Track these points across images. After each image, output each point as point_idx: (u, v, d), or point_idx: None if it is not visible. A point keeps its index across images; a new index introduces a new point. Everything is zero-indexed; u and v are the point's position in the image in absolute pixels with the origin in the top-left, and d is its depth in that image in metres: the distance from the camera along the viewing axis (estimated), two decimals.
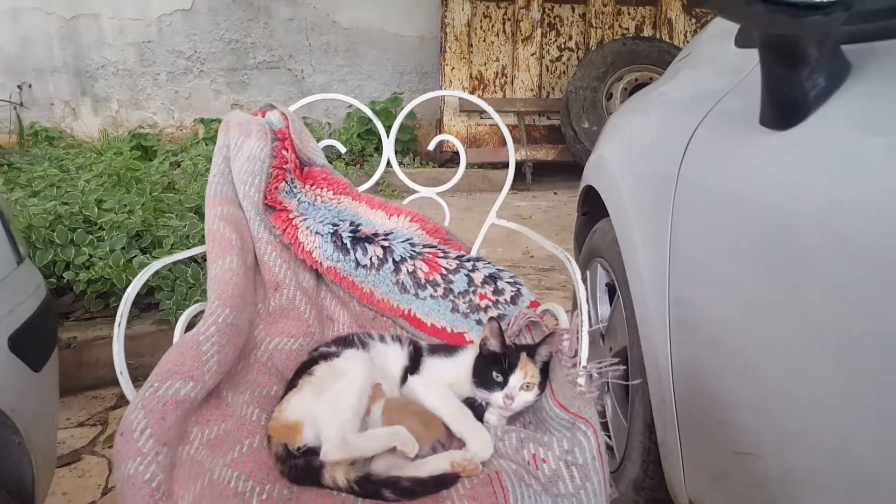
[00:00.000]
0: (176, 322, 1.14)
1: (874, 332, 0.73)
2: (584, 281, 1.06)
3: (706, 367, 1.12)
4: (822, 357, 0.80)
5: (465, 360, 1.11)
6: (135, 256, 2.37)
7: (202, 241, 1.26)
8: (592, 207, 2.00)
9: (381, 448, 0.92)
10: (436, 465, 0.89)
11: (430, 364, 1.15)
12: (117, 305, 1.01)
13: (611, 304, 1.81)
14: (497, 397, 1.03)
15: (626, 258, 1.54)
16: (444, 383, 1.09)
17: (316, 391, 1.00)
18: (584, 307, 0.99)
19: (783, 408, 0.88)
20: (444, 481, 0.87)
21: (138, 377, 1.00)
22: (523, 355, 1.05)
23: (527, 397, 1.03)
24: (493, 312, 1.27)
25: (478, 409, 1.06)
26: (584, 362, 0.96)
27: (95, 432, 2.09)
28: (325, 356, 1.08)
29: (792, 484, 0.84)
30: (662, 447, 1.35)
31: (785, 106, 0.91)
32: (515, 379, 1.03)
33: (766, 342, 0.93)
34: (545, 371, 1.06)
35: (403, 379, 1.13)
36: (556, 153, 5.53)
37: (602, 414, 1.05)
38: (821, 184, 0.84)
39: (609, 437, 0.90)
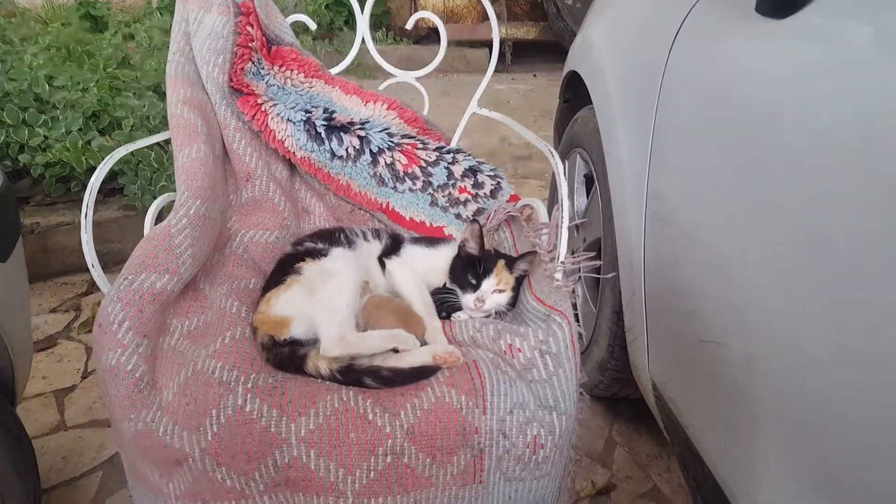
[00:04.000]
0: (142, 207, 1.11)
1: (846, 228, 0.74)
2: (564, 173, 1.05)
3: (678, 259, 1.14)
4: (792, 252, 0.82)
5: (443, 254, 1.12)
6: (93, 139, 2.26)
7: (164, 124, 1.19)
8: (575, 94, 1.94)
9: (380, 348, 0.93)
10: (417, 357, 0.91)
11: (411, 250, 1.15)
12: (79, 190, 0.97)
13: (587, 196, 1.82)
14: (469, 299, 1.05)
15: (607, 148, 1.51)
16: (420, 272, 1.10)
17: (306, 290, 1.00)
18: (566, 203, 0.99)
19: (750, 300, 0.91)
20: (425, 372, 0.90)
21: (107, 264, 0.99)
22: (500, 262, 1.06)
23: (498, 299, 1.05)
24: (473, 206, 1.26)
25: (451, 304, 1.07)
26: (562, 258, 0.97)
27: (69, 318, 2.10)
28: (312, 253, 1.07)
29: (753, 371, 0.89)
30: (629, 333, 1.41)
31: None
32: (489, 283, 1.04)
33: (738, 236, 0.94)
34: (519, 282, 1.07)
35: (383, 265, 1.14)
36: (538, 32, 5.29)
37: (574, 305, 1.08)
38: (808, 76, 0.82)
39: (579, 323, 0.92)
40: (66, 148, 2.16)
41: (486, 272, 1.04)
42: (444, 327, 1.03)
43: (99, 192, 1.06)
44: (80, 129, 2.25)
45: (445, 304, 1.06)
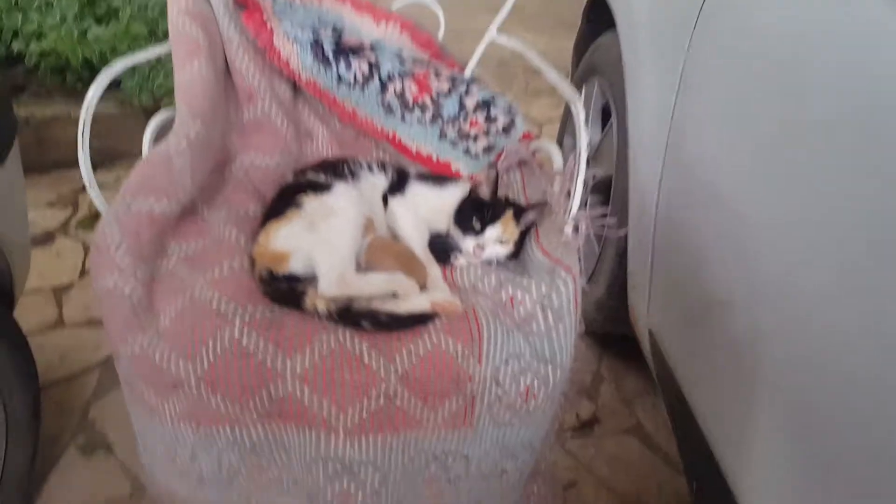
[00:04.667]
0: (139, 106, 1.06)
1: (871, 194, 0.71)
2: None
3: (695, 208, 1.11)
4: (815, 216, 0.79)
5: (450, 195, 1.08)
6: (89, 27, 2.15)
7: (162, 13, 1.10)
8: (598, 16, 1.83)
9: (380, 292, 0.92)
10: (416, 303, 0.91)
11: (416, 189, 1.12)
12: (74, 82, 0.92)
13: (602, 130, 1.76)
14: (469, 243, 1.02)
15: (630, 80, 1.44)
16: (424, 214, 1.07)
17: (307, 226, 0.97)
18: (584, 152, 0.94)
19: (767, 262, 0.88)
20: (422, 319, 0.89)
21: (101, 160, 0.95)
22: (509, 212, 1.02)
23: (498, 251, 1.02)
24: (483, 142, 1.21)
25: (451, 247, 1.05)
26: (574, 212, 0.94)
27: (67, 214, 2.08)
28: (314, 186, 1.04)
29: (758, 337, 0.88)
30: (631, 277, 1.41)
31: None
32: (493, 231, 1.01)
33: (761, 194, 0.91)
34: (525, 236, 1.03)
35: (385, 202, 1.11)
36: None
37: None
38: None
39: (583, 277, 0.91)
40: (60, 37, 2.06)
41: (493, 219, 1.01)
42: (445, 272, 1.02)
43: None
44: (75, 17, 2.14)
45: (447, 248, 1.03)
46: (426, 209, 1.07)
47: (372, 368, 0.85)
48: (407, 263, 0.97)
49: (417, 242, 1.03)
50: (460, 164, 1.22)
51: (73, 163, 1.03)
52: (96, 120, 1.03)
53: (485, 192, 1.05)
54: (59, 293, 1.80)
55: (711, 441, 0.98)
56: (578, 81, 1.91)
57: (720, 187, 1.02)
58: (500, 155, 1.22)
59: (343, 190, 1.04)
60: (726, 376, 0.97)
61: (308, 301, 0.91)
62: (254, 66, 1.16)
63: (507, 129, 1.21)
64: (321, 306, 0.90)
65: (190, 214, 1.05)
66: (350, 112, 1.22)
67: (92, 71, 2.07)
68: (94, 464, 1.36)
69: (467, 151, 1.22)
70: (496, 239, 1.01)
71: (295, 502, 0.95)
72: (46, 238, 2.00)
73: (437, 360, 0.86)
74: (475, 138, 1.21)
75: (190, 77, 1.04)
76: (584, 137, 0.96)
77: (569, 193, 0.97)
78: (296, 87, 1.25)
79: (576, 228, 0.94)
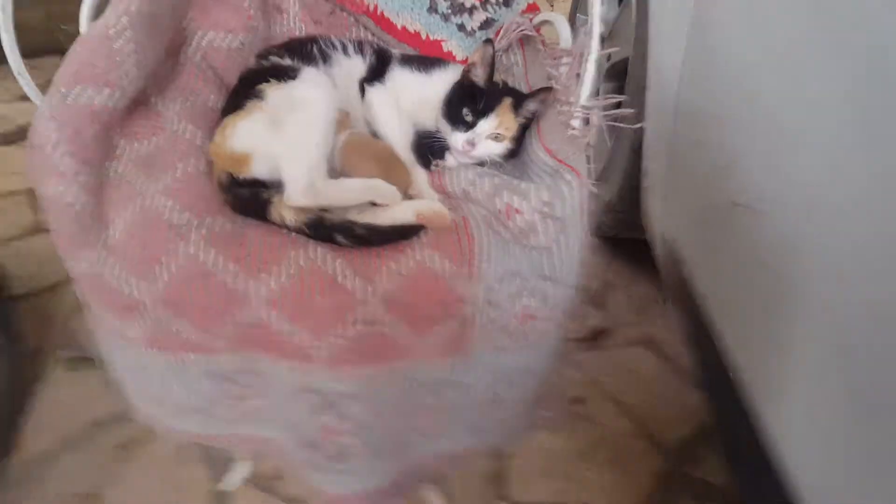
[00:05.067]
0: None
1: None
2: None
3: (720, 98, 0.96)
4: (857, 112, 0.65)
5: (439, 82, 0.92)
6: None
7: None
8: None
9: (356, 200, 0.79)
10: (398, 214, 0.78)
11: (398, 76, 0.96)
12: None
13: (619, 5, 1.55)
14: (458, 139, 0.87)
15: None
16: (408, 107, 0.91)
17: (270, 122, 0.83)
18: (598, 27, 0.77)
19: (805, 163, 0.75)
20: (406, 232, 0.77)
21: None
22: (507, 101, 0.86)
23: (493, 148, 0.87)
24: (481, 15, 1.03)
25: (439, 145, 0.90)
26: (583, 100, 0.78)
27: None
28: (278, 72, 0.88)
29: (792, 250, 0.76)
30: (646, 177, 1.27)
31: None
32: (486, 124, 0.86)
33: (799, 82, 0.76)
34: (524, 130, 0.88)
35: (362, 91, 0.95)
36: None
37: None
38: None
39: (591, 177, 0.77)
40: None
41: (487, 110, 0.85)
42: (432, 176, 0.89)
43: None
44: None
45: (434, 146, 0.89)
46: (410, 100, 0.92)
47: (347, 288, 0.74)
48: (387, 166, 0.83)
49: (399, 140, 0.89)
50: (453, 44, 1.05)
51: (47, 51, 0.88)
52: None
53: (479, 75, 0.88)
54: (34, 195, 1.69)
55: (732, 361, 0.88)
56: None
57: (752, 74, 0.86)
58: (499, 32, 1.03)
59: (312, 76, 0.88)
60: (751, 292, 0.86)
61: (274, 211, 0.79)
62: None
63: (507, 1, 1.02)
64: (289, 218, 0.78)
65: (141, 106, 0.91)
66: None
67: None
68: (81, 379, 1.30)
69: (462, 27, 1.03)
70: (490, 133, 0.86)
71: (279, 434, 0.88)
72: (20, 134, 1.85)
73: (424, 279, 0.75)
74: (471, 11, 1.02)
75: None
76: (599, 8, 0.78)
77: (578, 77, 0.81)
78: None
79: (585, 121, 0.79)
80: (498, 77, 0.91)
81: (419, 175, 0.87)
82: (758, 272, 0.85)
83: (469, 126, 0.86)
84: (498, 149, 0.87)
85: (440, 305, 0.76)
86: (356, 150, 0.86)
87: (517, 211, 0.78)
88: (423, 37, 1.05)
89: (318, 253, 0.76)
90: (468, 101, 0.86)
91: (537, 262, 0.78)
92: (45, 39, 1.90)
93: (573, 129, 0.78)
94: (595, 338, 1.42)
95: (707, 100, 0.99)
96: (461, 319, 0.77)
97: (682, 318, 1.08)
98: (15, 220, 1.63)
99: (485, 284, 0.77)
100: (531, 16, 1.02)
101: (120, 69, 0.84)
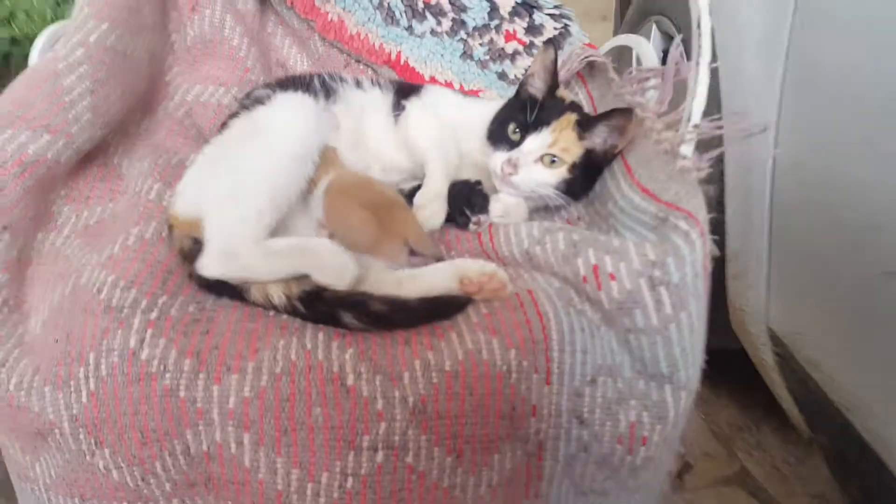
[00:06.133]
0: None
1: None
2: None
3: (843, 130, 0.74)
4: None
5: (484, 108, 0.70)
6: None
7: None
8: None
9: (286, 273, 0.55)
10: (435, 280, 0.53)
11: (437, 92, 0.75)
12: None
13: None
14: (497, 159, 0.65)
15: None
16: (448, 119, 0.70)
17: (211, 162, 0.62)
18: (707, 24, 0.56)
19: None
20: (445, 307, 0.51)
21: None
22: (569, 116, 0.65)
23: (542, 176, 0.64)
24: (526, 61, 0.84)
25: (477, 200, 0.67)
26: (696, 119, 0.55)
27: None
28: (251, 103, 0.68)
29: None
30: (733, 262, 1.02)
31: None
32: (535, 141, 0.64)
33: None
34: (592, 160, 0.65)
35: (396, 113, 0.73)
36: None
37: None
38: None
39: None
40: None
41: (539, 124, 0.63)
42: (477, 239, 0.65)
43: None
44: None
45: (473, 199, 0.65)
46: (449, 117, 0.71)
47: (362, 395, 0.48)
48: (385, 214, 0.59)
49: (436, 158, 0.66)
50: (494, 94, 0.85)
51: None
52: None
53: (538, 86, 0.67)
54: None
55: None
56: (632, 25, 1.56)
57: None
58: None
59: (287, 100, 0.67)
60: None
61: (255, 289, 0.55)
62: None
63: (558, 43, 0.83)
64: (276, 294, 0.54)
65: (99, 165, 0.73)
66: (336, 23, 0.85)
67: None
68: None
69: (503, 76, 0.84)
70: (541, 153, 0.64)
71: None
72: None
73: (475, 378, 0.49)
74: (513, 56, 0.83)
75: None
76: (706, 6, 0.57)
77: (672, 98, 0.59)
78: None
79: (698, 148, 0.55)
80: (564, 94, 0.69)
81: (438, 219, 0.64)
82: None
83: (514, 145, 0.64)
84: (550, 177, 0.64)
85: (500, 419, 0.49)
86: (344, 195, 0.61)
87: (611, 277, 0.52)
88: (457, 86, 0.86)
89: (319, 340, 0.51)
90: (518, 116, 0.65)
91: (645, 353, 0.52)
92: None
93: (684, 158, 0.55)
94: (676, 476, 1.10)
95: (824, 135, 0.78)
96: (533, 443, 0.50)
97: (821, 441, 0.78)
98: None
99: (568, 388, 0.50)
100: (591, 51, 0.82)
101: (67, 113, 0.67)
